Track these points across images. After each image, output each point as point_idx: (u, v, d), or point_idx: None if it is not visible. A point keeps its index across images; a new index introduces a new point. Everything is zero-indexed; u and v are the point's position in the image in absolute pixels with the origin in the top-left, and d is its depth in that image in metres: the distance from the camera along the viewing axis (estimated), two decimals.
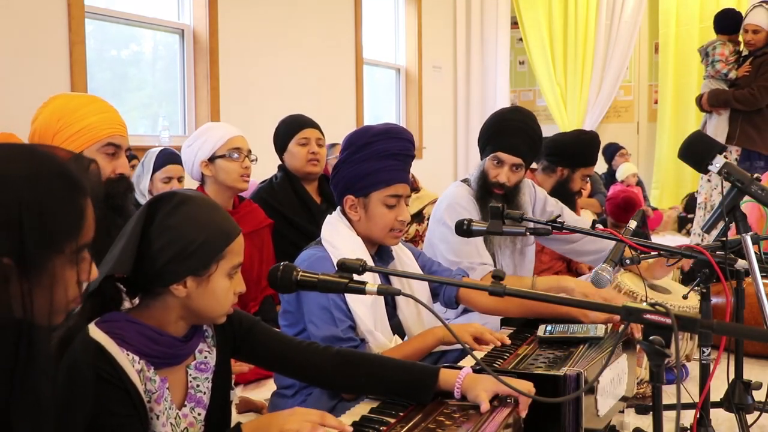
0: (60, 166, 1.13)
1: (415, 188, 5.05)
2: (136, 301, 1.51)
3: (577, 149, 3.69)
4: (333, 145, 4.72)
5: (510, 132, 2.89)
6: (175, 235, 1.43)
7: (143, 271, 1.43)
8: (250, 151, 3.05)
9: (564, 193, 3.52)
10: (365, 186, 2.19)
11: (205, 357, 1.57)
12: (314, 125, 3.52)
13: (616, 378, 2.04)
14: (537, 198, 3.14)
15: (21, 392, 1.09)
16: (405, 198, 2.24)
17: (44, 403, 1.12)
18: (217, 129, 3.07)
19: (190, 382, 1.54)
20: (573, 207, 3.62)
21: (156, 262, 1.42)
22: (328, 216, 2.31)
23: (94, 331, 1.38)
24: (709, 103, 5.27)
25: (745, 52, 5.40)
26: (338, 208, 2.31)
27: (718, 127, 5.19)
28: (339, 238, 2.20)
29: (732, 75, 5.29)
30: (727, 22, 5.51)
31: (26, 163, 1.10)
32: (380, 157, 2.17)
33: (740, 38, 5.46)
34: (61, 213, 1.10)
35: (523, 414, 1.58)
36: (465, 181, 3.05)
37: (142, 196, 3.42)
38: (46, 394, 1.12)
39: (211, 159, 2.97)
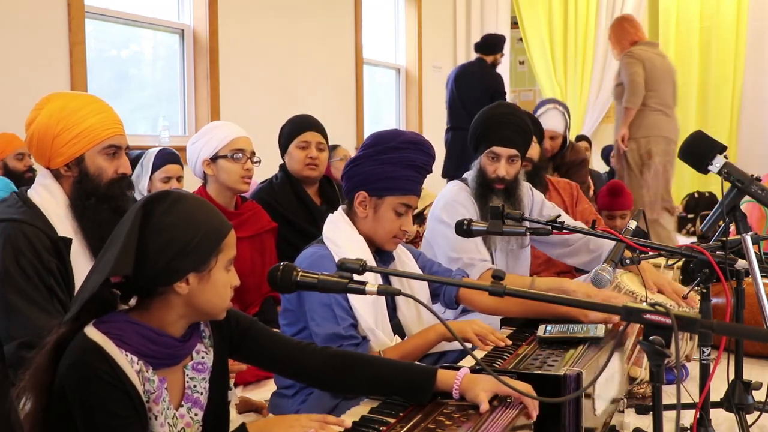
0: None
1: None
2: (132, 301, 1.51)
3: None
4: (335, 148, 4.70)
5: (500, 125, 2.91)
6: (175, 233, 1.43)
7: (144, 272, 1.42)
8: (253, 153, 3.03)
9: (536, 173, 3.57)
10: (383, 188, 2.21)
11: (203, 357, 1.57)
12: (318, 128, 3.45)
13: (611, 378, 2.04)
14: (534, 201, 3.14)
15: None
16: (412, 210, 2.27)
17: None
18: (221, 128, 3.05)
19: (187, 382, 1.53)
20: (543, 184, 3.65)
21: (158, 261, 1.42)
22: (330, 215, 2.31)
23: (93, 333, 1.38)
24: None
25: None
26: (341, 207, 2.31)
27: None
28: (341, 237, 2.21)
29: None
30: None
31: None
32: (406, 165, 2.21)
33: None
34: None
35: (534, 416, 1.57)
36: (462, 180, 3.05)
37: (140, 196, 3.42)
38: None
39: (214, 158, 2.96)
